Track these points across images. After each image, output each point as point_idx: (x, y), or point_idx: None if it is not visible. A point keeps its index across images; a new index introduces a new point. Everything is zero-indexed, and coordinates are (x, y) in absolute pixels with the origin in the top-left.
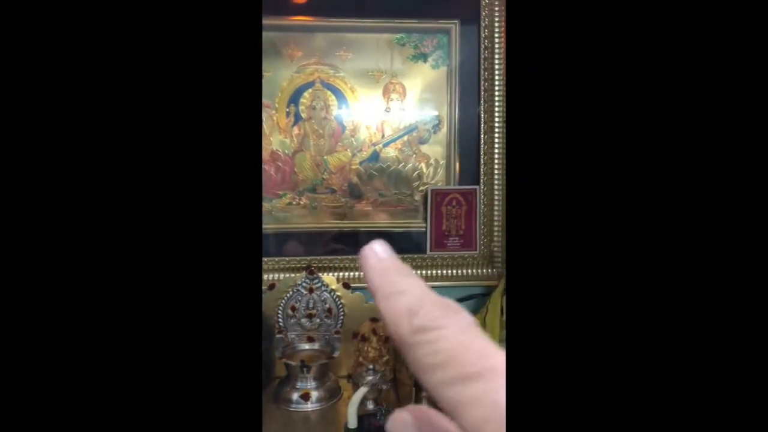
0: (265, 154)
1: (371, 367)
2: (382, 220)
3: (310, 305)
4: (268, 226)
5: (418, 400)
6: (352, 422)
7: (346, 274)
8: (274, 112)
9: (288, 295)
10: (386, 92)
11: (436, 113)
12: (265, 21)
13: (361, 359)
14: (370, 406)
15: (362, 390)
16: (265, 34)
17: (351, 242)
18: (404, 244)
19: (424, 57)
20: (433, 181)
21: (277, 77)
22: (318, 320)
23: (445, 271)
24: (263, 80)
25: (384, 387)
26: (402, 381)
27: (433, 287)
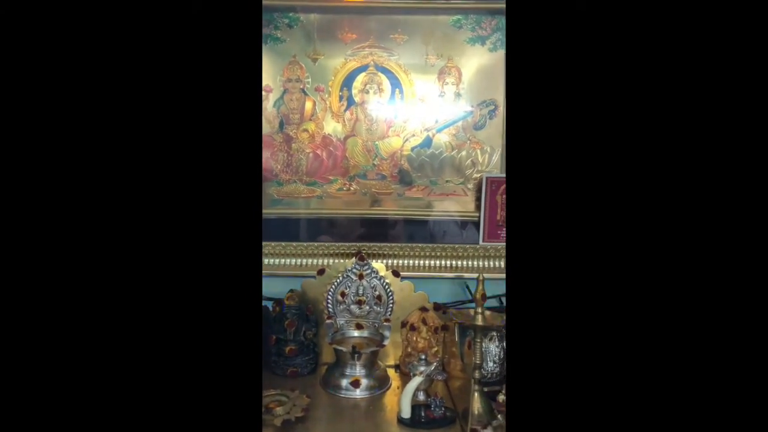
0: (317, 139)
1: (423, 357)
2: (432, 208)
3: (360, 292)
4: (317, 210)
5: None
6: (406, 412)
7: (396, 261)
8: (327, 96)
9: (338, 280)
10: (441, 76)
11: (492, 98)
12: (319, 3)
13: (410, 349)
14: (421, 396)
15: (417, 380)
16: (318, 17)
17: (400, 230)
18: (455, 234)
19: (481, 40)
20: (487, 169)
21: (331, 61)
22: (367, 307)
23: (498, 263)
24: (317, 64)
25: (439, 378)
26: (453, 374)
27: (486, 279)
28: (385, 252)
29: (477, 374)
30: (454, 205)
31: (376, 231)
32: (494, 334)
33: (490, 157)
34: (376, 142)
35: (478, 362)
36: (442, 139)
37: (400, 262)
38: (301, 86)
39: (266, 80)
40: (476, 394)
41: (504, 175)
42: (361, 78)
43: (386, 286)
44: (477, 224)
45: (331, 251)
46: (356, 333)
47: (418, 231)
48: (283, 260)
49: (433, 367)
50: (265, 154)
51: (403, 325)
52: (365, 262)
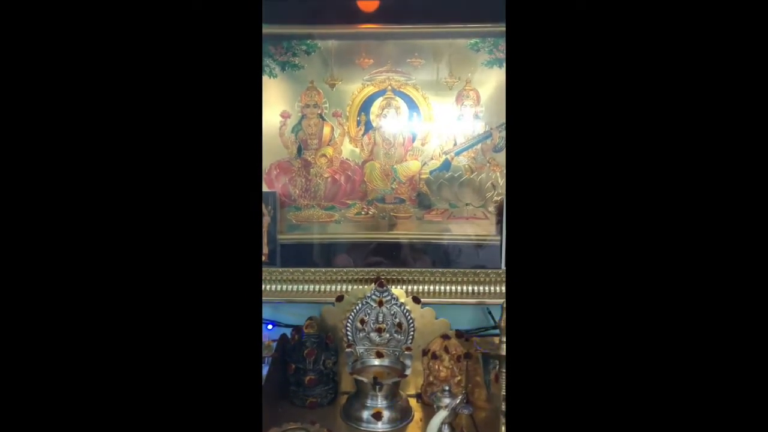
0: (335, 164)
1: (447, 388)
2: (452, 232)
3: (380, 319)
4: (336, 235)
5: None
6: None
7: (416, 287)
8: (344, 120)
9: (357, 307)
10: (459, 99)
11: None
12: (335, 30)
13: (431, 378)
14: (446, 430)
15: (442, 414)
16: (336, 43)
17: (419, 254)
18: (476, 258)
19: (499, 62)
20: None
21: (348, 86)
22: (387, 335)
23: None
24: (334, 89)
25: (465, 412)
26: (478, 404)
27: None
28: (405, 277)
29: (504, 406)
30: (474, 228)
31: (395, 256)
32: None
33: None
34: (395, 166)
35: (505, 394)
36: (461, 161)
37: (420, 287)
38: (319, 112)
39: (284, 106)
40: (503, 427)
41: None
42: (378, 102)
43: (407, 313)
44: (498, 248)
45: (350, 277)
46: (377, 362)
47: (437, 255)
48: (301, 286)
49: (458, 401)
50: (284, 180)
51: (425, 353)
52: (385, 288)
